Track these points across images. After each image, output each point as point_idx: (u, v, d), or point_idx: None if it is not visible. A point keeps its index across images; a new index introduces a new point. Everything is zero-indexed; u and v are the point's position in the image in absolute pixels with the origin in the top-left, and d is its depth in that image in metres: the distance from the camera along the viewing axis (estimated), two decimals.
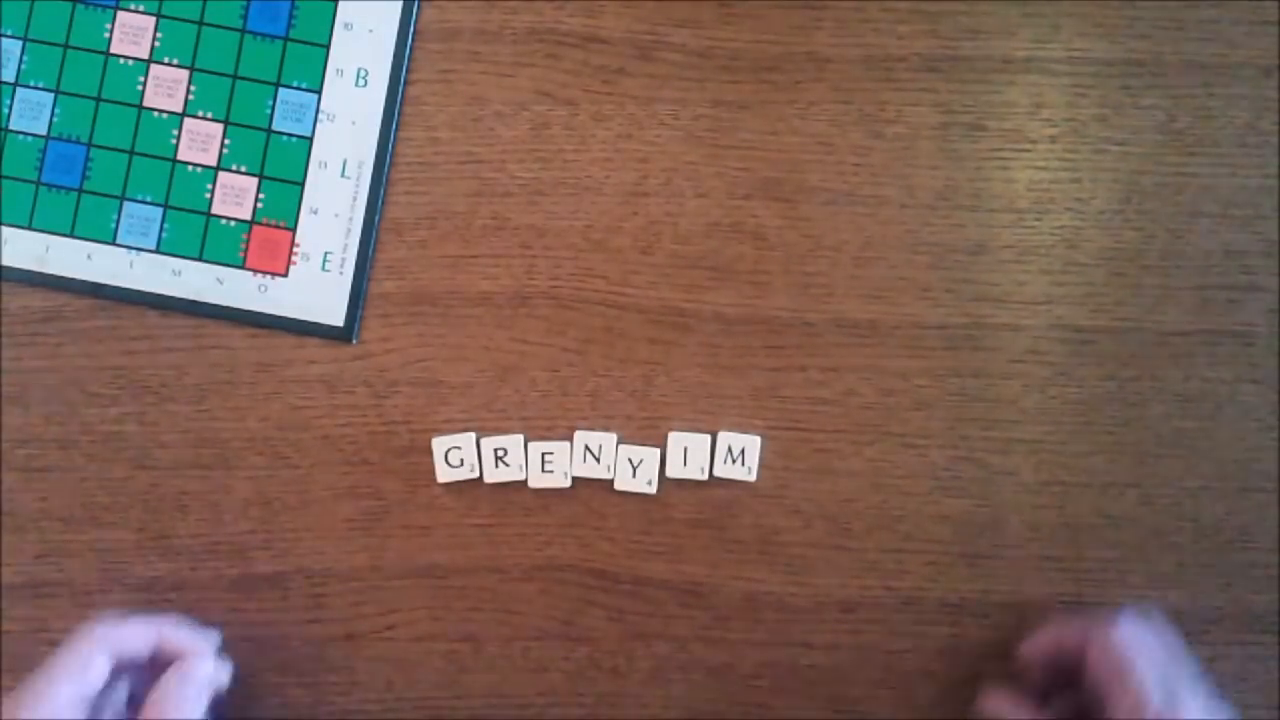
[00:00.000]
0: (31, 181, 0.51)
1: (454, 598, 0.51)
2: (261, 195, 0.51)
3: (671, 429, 0.51)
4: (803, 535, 0.51)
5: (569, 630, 0.51)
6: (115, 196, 0.51)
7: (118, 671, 0.46)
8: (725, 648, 0.51)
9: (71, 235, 0.51)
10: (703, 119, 0.51)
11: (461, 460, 0.51)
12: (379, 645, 0.51)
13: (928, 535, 0.51)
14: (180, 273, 0.51)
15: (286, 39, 0.51)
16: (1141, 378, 0.51)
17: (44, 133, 0.51)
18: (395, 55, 0.51)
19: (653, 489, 0.51)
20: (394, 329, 0.51)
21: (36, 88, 0.51)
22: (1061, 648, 0.47)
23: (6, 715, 0.43)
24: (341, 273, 0.51)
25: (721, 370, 0.51)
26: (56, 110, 0.51)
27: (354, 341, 0.51)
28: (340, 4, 0.51)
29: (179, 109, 0.51)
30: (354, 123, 0.51)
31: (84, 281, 0.51)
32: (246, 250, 0.51)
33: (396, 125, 0.51)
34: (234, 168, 0.51)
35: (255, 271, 0.51)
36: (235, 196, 0.51)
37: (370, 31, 0.51)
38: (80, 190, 0.51)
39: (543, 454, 0.50)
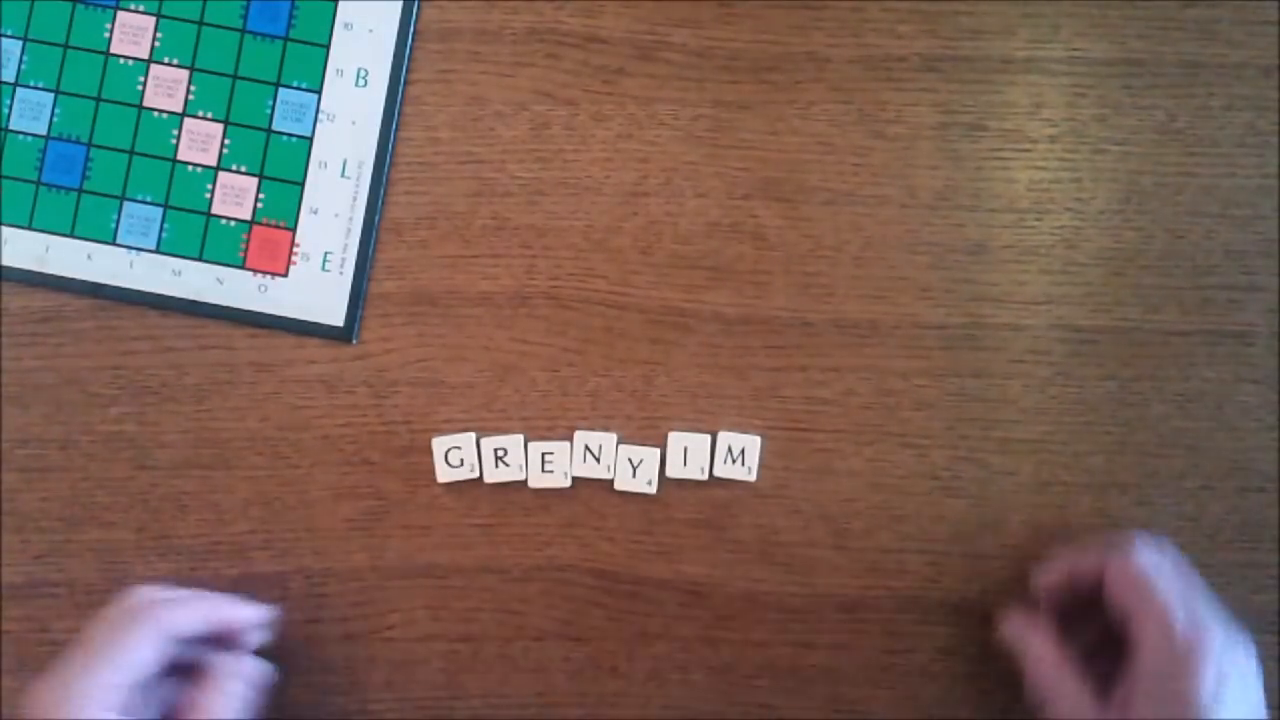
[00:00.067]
0: (31, 181, 0.51)
1: (454, 598, 0.51)
2: (261, 195, 0.51)
3: (671, 429, 0.51)
4: (803, 535, 0.51)
5: (569, 630, 0.51)
6: (115, 196, 0.51)
7: (164, 656, 0.42)
8: (725, 648, 0.51)
9: (71, 235, 0.51)
10: (703, 119, 0.51)
11: (461, 460, 0.51)
12: (379, 645, 0.51)
13: (928, 535, 0.51)
14: (180, 273, 0.51)
15: (286, 39, 0.51)
16: (1141, 378, 0.51)
17: (44, 133, 0.51)
18: (395, 55, 0.51)
19: (653, 489, 0.51)
20: (394, 329, 0.51)
21: (36, 88, 0.51)
22: (1076, 574, 0.47)
23: (35, 707, 0.39)
24: (341, 273, 0.51)
25: (721, 370, 0.51)
26: (56, 110, 0.51)
27: (354, 341, 0.51)
28: (340, 4, 0.51)
29: (179, 109, 0.51)
30: (354, 123, 0.51)
31: (84, 281, 0.51)
32: (246, 250, 0.51)
33: (396, 125, 0.51)
34: (234, 168, 0.51)
35: (255, 271, 0.51)
36: (235, 196, 0.51)
37: (370, 31, 0.51)
38: (80, 190, 0.51)
39: (543, 454, 0.50)
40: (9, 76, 0.51)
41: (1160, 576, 0.44)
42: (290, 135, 0.51)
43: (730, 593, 0.51)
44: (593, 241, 0.51)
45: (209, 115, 0.51)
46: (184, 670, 0.45)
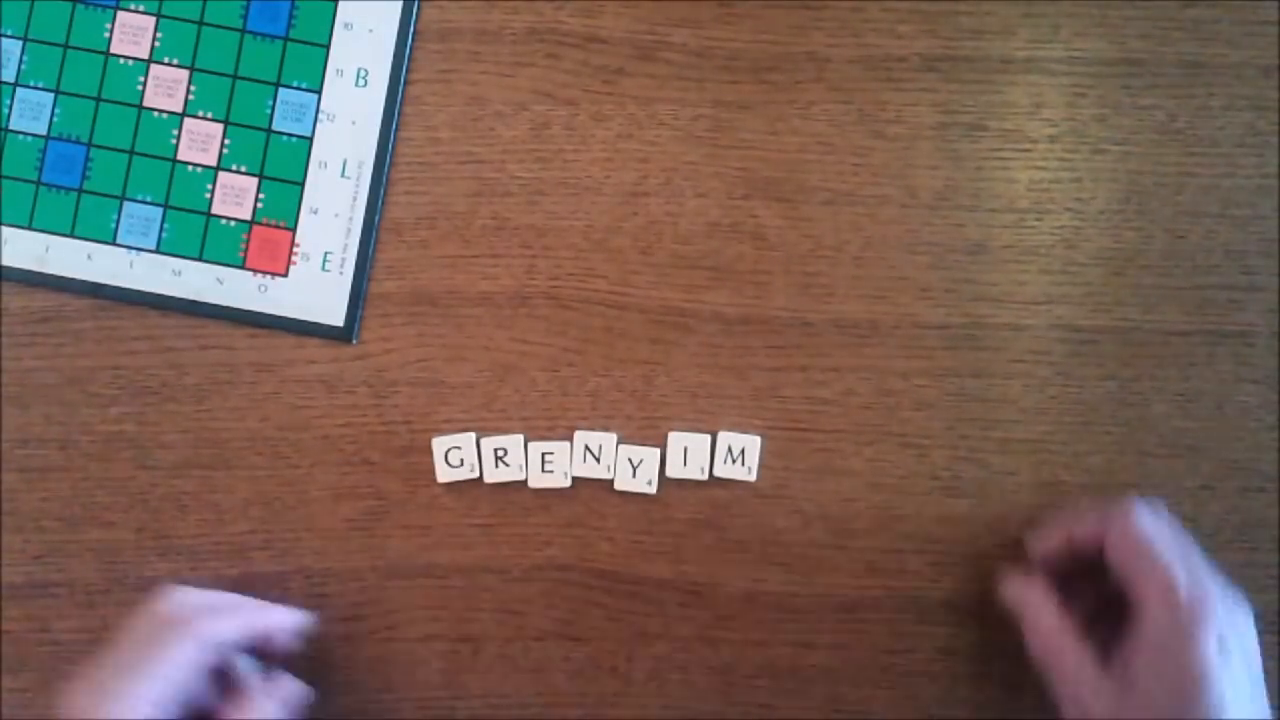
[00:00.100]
0: (31, 181, 0.51)
1: (454, 598, 0.51)
2: (261, 195, 0.51)
3: (671, 429, 0.51)
4: (803, 535, 0.51)
5: (569, 630, 0.51)
6: (115, 196, 0.51)
7: (203, 665, 0.41)
8: (725, 648, 0.51)
9: (71, 235, 0.51)
10: (703, 119, 0.51)
11: (461, 460, 0.51)
12: (379, 645, 0.51)
13: (928, 535, 0.51)
14: (180, 273, 0.51)
15: (286, 39, 0.51)
16: (1141, 378, 0.51)
17: (44, 133, 0.51)
18: (395, 55, 0.51)
19: (653, 489, 0.51)
20: (394, 329, 0.51)
21: (36, 88, 0.51)
22: (1073, 539, 0.47)
23: (72, 708, 0.39)
24: (341, 273, 0.51)
25: (721, 370, 0.51)
26: (56, 110, 0.51)
27: (354, 341, 0.51)
28: (340, 4, 0.51)
29: (179, 109, 0.51)
30: (354, 123, 0.51)
31: (84, 281, 0.51)
32: (246, 250, 0.51)
33: (396, 125, 0.51)
34: (234, 168, 0.51)
35: (255, 271, 0.51)
36: (235, 196, 0.51)
37: (370, 31, 0.51)
38: (80, 190, 0.51)
39: (543, 454, 0.50)
40: (9, 76, 0.51)
41: (1161, 540, 0.44)
42: (290, 135, 0.51)
43: (730, 593, 0.51)
44: (593, 241, 0.51)
45: (209, 115, 0.51)
46: (214, 669, 0.44)
